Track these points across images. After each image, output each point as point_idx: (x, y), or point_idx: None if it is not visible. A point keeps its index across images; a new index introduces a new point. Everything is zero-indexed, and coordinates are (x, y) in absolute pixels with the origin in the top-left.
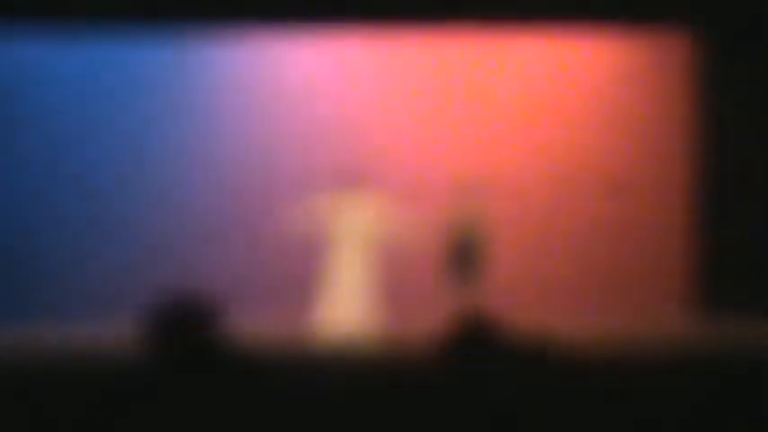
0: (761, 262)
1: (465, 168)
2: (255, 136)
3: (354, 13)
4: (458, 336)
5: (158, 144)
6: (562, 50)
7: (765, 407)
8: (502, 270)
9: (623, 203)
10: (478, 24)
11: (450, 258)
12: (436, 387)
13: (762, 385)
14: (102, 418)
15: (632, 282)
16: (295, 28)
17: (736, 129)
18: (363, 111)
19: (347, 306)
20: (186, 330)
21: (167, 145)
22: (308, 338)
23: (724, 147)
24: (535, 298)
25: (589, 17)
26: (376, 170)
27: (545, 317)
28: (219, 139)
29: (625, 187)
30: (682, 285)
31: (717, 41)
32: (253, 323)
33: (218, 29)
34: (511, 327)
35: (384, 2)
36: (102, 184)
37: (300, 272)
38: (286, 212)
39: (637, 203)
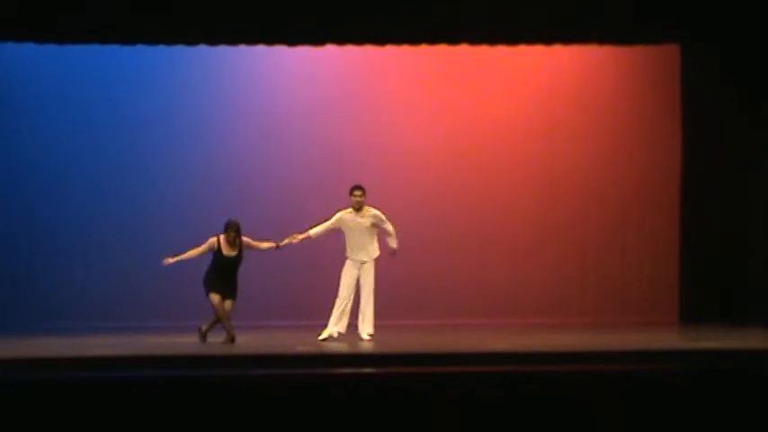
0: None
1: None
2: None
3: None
4: None
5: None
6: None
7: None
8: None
9: (613, 213)
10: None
11: None
12: None
13: (756, 398)
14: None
15: (624, 296)
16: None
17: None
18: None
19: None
20: None
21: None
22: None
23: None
24: (525, 308)
25: (583, 39)
26: None
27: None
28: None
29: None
30: (672, 299)
31: (704, 54)
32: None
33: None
34: None
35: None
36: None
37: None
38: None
39: (625, 215)
